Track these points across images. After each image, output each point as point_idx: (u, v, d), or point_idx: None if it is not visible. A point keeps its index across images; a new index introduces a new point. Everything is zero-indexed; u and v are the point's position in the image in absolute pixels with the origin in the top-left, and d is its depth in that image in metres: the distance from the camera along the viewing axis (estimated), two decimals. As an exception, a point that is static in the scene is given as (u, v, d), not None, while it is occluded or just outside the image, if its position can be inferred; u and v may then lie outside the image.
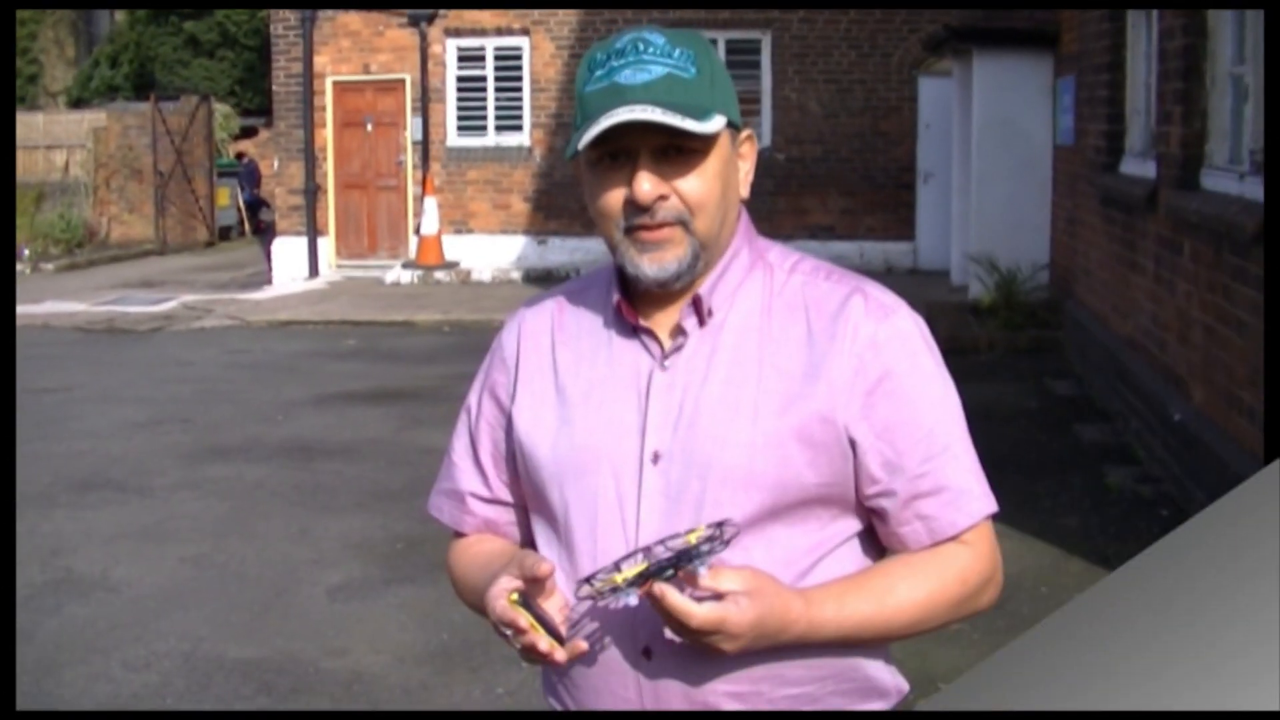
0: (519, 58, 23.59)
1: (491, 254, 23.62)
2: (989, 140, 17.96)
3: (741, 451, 2.36)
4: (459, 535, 2.72)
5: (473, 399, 2.68)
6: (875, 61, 22.96)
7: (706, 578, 2.22)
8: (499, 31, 23.45)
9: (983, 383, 13.62)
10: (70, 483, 10.46)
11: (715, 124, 2.33)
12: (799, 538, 2.41)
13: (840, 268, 2.57)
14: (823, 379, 2.38)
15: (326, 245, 24.29)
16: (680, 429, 2.40)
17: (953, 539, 2.45)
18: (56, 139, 32.98)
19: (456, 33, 23.80)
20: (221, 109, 34.69)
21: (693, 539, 2.24)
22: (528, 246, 23.65)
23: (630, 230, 2.38)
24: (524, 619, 2.27)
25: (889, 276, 22.31)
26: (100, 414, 12.99)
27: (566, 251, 23.43)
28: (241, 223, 33.43)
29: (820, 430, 2.37)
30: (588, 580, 2.29)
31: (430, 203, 22.94)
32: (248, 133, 36.15)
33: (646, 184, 2.33)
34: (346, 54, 24.03)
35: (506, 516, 2.67)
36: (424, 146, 23.90)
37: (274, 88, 24.67)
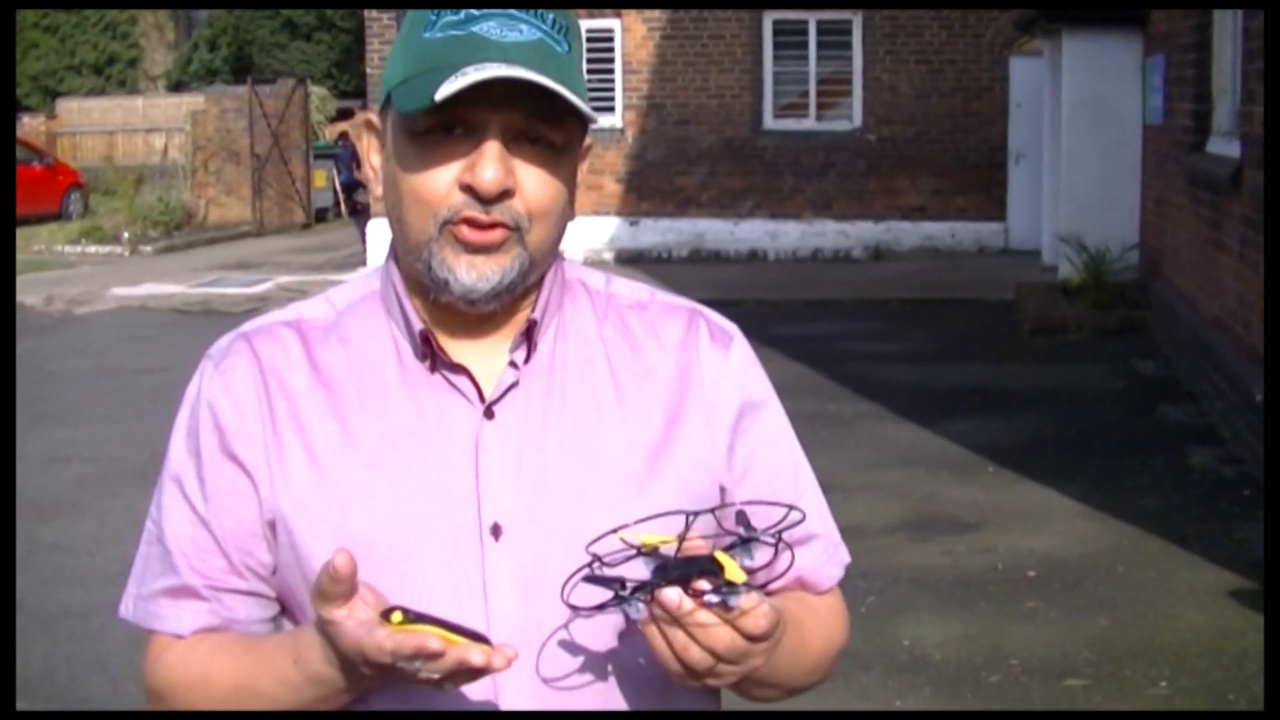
0: (611, 40, 23.63)
1: (584, 235, 23.68)
2: (1079, 120, 17.92)
3: (614, 515, 1.81)
4: (173, 639, 1.96)
5: (185, 463, 1.97)
6: (966, 41, 22.90)
7: (744, 599, 1.66)
8: (590, 13, 23.55)
9: (1070, 363, 13.65)
10: (166, 461, 10.66)
11: (590, 112, 1.83)
12: None
13: (645, 283, 2.14)
14: (687, 420, 1.95)
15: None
16: (525, 492, 1.87)
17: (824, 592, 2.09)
18: (155, 123, 33.53)
19: (549, 14, 23.87)
20: (317, 92, 34.99)
21: (730, 576, 1.66)
22: (620, 228, 23.75)
23: (451, 223, 1.82)
24: (433, 638, 1.63)
25: (980, 256, 22.35)
26: (196, 394, 13.19)
27: (659, 232, 23.53)
28: (337, 204, 33.66)
29: (698, 479, 1.93)
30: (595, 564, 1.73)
31: (523, 183, 23.03)
32: (344, 115, 36.43)
33: (494, 169, 1.78)
34: (440, 36, 24.18)
35: (261, 612, 1.97)
36: (517, 128, 24.00)
37: (369, 71, 24.85)
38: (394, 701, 1.84)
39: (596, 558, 1.72)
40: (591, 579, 1.72)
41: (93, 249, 26.59)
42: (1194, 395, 11.87)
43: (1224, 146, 11.76)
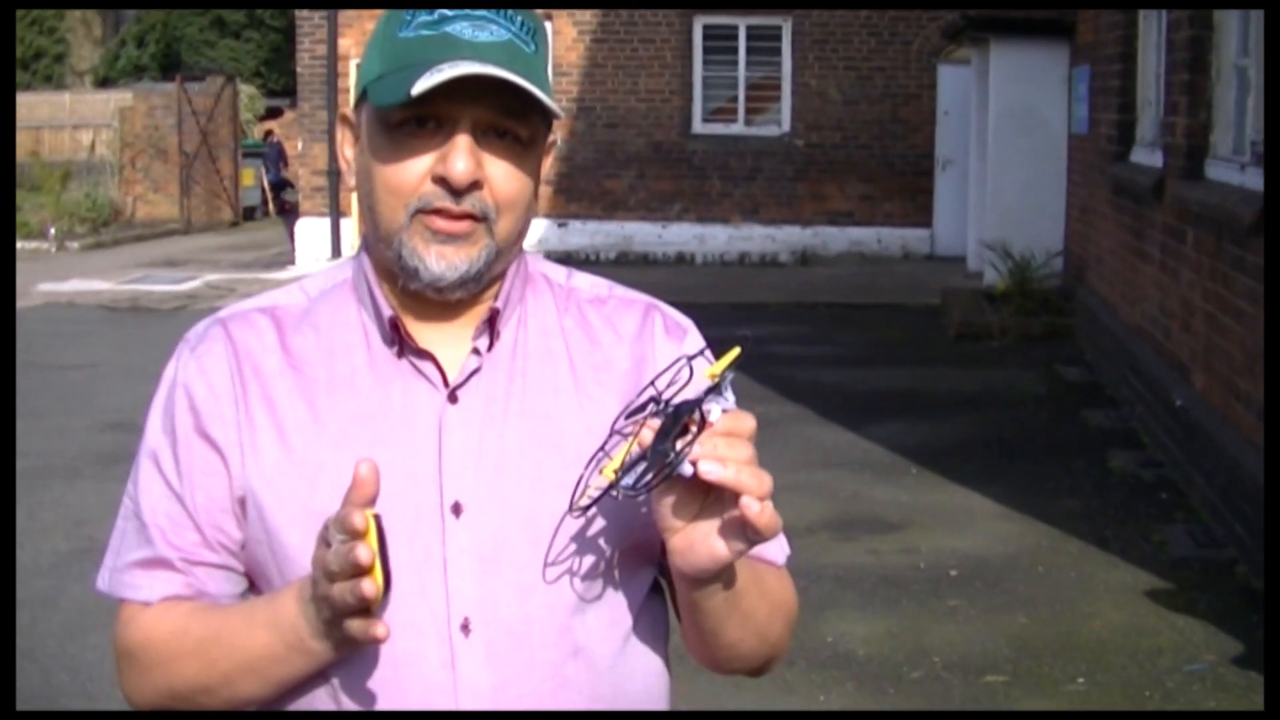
0: (541, 42, 23.61)
1: (512, 236, 23.67)
2: (1005, 128, 18.12)
3: (567, 496, 1.92)
4: (144, 606, 2.04)
5: (161, 441, 2.05)
6: (895, 49, 23.08)
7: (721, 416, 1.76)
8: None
9: (994, 368, 13.82)
10: (95, 456, 10.68)
11: (557, 109, 1.93)
12: (625, 594, 2.05)
13: (607, 279, 2.24)
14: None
15: (350, 226, 24.38)
16: (485, 473, 1.96)
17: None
18: (83, 118, 33.20)
19: (480, 16, 23.88)
20: (247, 90, 34.83)
21: (717, 372, 1.76)
22: (549, 229, 23.78)
23: (422, 212, 1.92)
24: (370, 549, 1.72)
25: (906, 262, 22.53)
26: (124, 390, 13.17)
27: (587, 234, 23.60)
28: (265, 203, 33.56)
29: None
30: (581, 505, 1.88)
31: (452, 185, 23.04)
32: (273, 114, 36.29)
33: (465, 161, 1.89)
34: (371, 37, 24.12)
35: (230, 587, 2.05)
36: (447, 129, 24.01)
37: (298, 70, 24.79)
38: (366, 698, 1.93)
39: (615, 484, 1.77)
40: (623, 490, 1.77)
41: (19, 245, 26.42)
42: (1115, 400, 12.05)
43: (1147, 156, 11.96)
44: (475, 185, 1.91)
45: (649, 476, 1.74)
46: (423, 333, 2.01)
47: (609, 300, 2.16)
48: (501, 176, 1.93)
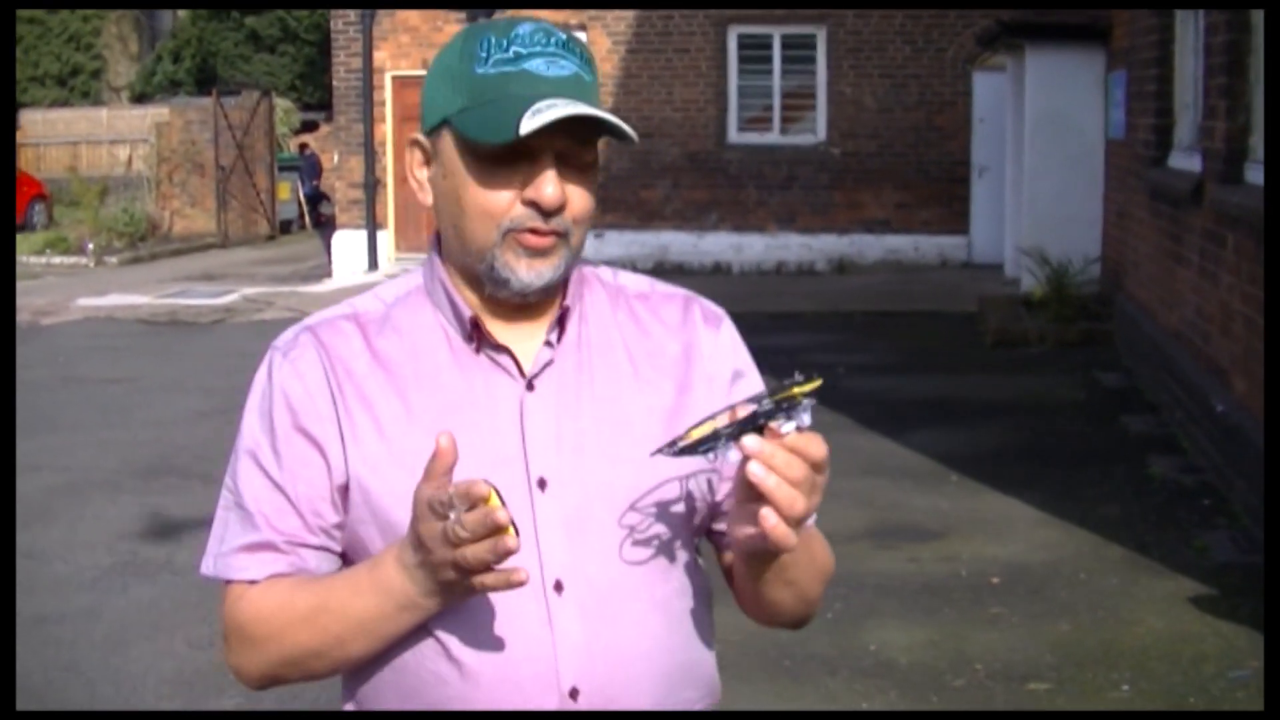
0: (576, 53, 23.61)
1: (548, 247, 23.72)
2: (1041, 134, 18.05)
3: (640, 471, 2.22)
4: (249, 585, 2.27)
5: (260, 439, 2.28)
6: (930, 56, 23.03)
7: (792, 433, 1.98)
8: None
9: (1032, 375, 13.77)
10: (136, 470, 10.72)
11: (634, 134, 2.21)
12: (686, 555, 2.32)
13: (644, 274, 2.49)
14: (693, 390, 2.31)
15: (386, 239, 24.44)
16: (565, 452, 2.22)
17: None
18: (120, 134, 33.45)
19: (514, 28, 23.91)
20: (282, 104, 34.94)
21: (799, 392, 1.96)
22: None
23: (514, 232, 2.18)
24: (506, 510, 1.91)
25: (943, 269, 22.47)
26: (164, 403, 13.24)
27: (623, 245, 23.59)
28: (302, 216, 33.62)
29: None
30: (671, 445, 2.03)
31: (488, 196, 23.06)
32: (308, 127, 36.40)
33: (554, 188, 2.15)
34: (406, 49, 24.21)
35: (328, 565, 2.28)
36: (482, 141, 24.02)
37: (334, 83, 24.87)
38: (476, 653, 2.16)
39: (675, 442, 2.02)
40: (681, 451, 2.02)
41: (58, 260, 26.56)
42: (1154, 406, 12.00)
43: (1185, 161, 11.90)
44: (561, 207, 2.17)
45: (701, 447, 1.98)
46: (497, 330, 2.27)
47: (652, 295, 2.43)
48: (577, 197, 2.21)
